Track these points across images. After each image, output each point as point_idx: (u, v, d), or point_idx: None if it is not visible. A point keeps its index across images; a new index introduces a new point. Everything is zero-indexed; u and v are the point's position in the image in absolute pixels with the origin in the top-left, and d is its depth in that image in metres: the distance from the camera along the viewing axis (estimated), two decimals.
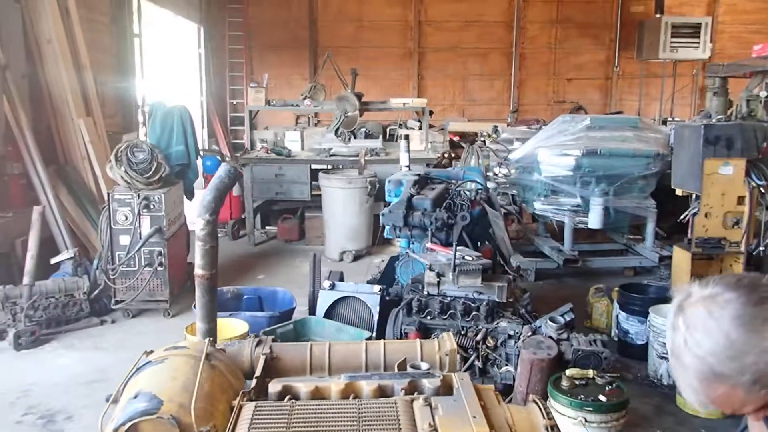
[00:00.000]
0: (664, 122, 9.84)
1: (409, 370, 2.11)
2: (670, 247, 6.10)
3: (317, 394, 1.97)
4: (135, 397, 1.79)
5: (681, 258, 5.63)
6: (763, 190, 5.35)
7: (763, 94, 6.84)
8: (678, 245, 5.77)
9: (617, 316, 5.53)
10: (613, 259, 7.62)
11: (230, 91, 12.46)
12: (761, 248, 5.42)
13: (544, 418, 1.89)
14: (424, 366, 2.13)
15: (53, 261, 5.99)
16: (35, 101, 6.49)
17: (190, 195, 7.05)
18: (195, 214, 2.61)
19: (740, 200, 5.37)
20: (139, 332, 5.89)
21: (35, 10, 6.30)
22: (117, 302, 6.11)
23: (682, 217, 5.81)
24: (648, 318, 5.04)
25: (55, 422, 4.25)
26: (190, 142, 6.76)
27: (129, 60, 8.55)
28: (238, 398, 1.88)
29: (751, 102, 7.18)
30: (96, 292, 5.96)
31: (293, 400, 1.90)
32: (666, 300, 5.28)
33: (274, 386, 1.98)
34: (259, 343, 2.24)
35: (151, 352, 2.04)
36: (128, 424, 1.71)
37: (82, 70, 6.90)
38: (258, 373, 2.07)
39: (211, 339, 2.06)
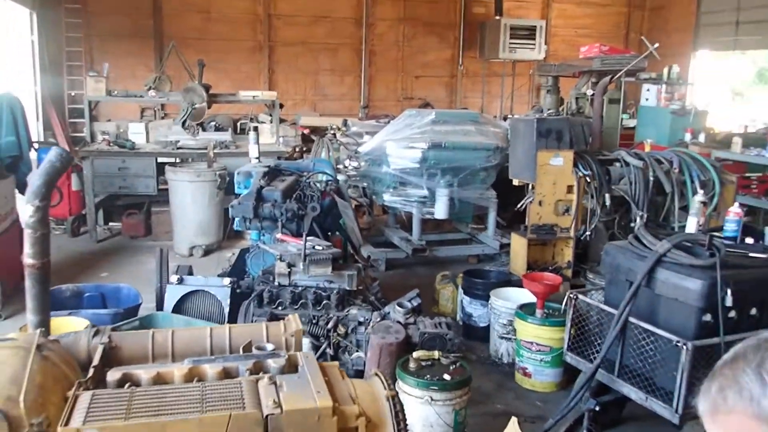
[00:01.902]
0: (505, 119, 10.39)
1: (255, 351, 2.12)
2: (510, 235, 6.47)
3: (159, 380, 1.93)
4: None
5: (518, 244, 6.01)
6: (588, 180, 5.81)
7: (589, 92, 7.41)
8: (515, 232, 6.15)
9: (461, 300, 5.80)
10: (459, 247, 7.97)
11: (68, 81, 11.70)
12: (588, 233, 5.89)
13: (385, 389, 1.97)
14: (270, 347, 2.14)
15: None
16: None
17: (23, 189, 6.59)
18: (24, 200, 2.47)
19: (569, 189, 5.82)
20: None
21: None
22: None
23: (519, 205, 6.19)
24: (489, 301, 5.34)
25: None
26: (21, 133, 6.31)
27: None
28: (73, 388, 1.81)
29: (580, 99, 7.78)
30: None
31: (133, 387, 1.86)
32: (504, 284, 5.62)
33: (113, 375, 1.93)
34: (96, 333, 2.16)
35: None
36: None
37: None
38: (96, 362, 1.99)
39: (43, 330, 1.96)
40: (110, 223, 9.14)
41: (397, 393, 1.96)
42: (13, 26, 10.55)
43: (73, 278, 6.67)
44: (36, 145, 7.54)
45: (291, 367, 2.01)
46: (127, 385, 1.87)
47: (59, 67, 11.57)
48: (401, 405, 1.96)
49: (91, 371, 1.94)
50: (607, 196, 5.77)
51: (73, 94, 11.53)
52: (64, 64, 11.66)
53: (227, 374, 1.97)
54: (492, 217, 7.71)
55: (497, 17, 12.76)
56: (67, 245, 8.30)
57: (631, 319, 3.74)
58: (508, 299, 5.26)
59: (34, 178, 2.41)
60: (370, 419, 1.90)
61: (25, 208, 2.38)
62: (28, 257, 2.46)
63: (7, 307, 5.87)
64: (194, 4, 12.42)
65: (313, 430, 1.80)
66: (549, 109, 6.88)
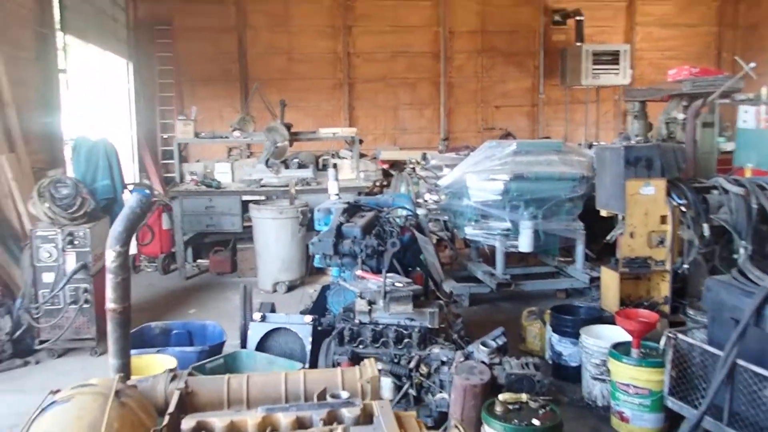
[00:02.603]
0: (590, 146, 10.07)
1: (329, 399, 2.05)
2: (600, 268, 6.19)
3: (233, 429, 1.89)
4: None
5: (609, 278, 5.72)
6: (684, 209, 5.49)
7: (680, 116, 7.08)
8: (606, 266, 5.86)
9: (550, 338, 5.54)
10: (545, 281, 7.70)
11: (161, 125, 12.25)
12: (686, 266, 5.54)
13: None
14: (344, 395, 2.07)
15: None
16: None
17: None
18: (106, 245, 2.52)
19: (663, 219, 5.51)
20: (65, 372, 5.71)
21: None
22: (41, 342, 5.93)
23: (608, 237, 5.93)
24: (580, 339, 5.08)
25: None
26: (116, 175, 6.63)
27: (54, 96, 8.33)
28: None
29: (670, 124, 7.43)
30: (19, 332, 5.80)
31: None
32: (596, 321, 5.34)
33: (188, 423, 1.90)
34: (173, 378, 2.15)
35: (58, 391, 1.94)
36: None
37: (5, 107, 6.68)
38: (171, 409, 1.98)
39: (122, 375, 1.96)
40: (198, 260, 9.44)
41: None
42: (112, 76, 11.17)
43: (163, 315, 6.88)
44: (130, 187, 7.87)
45: (366, 416, 1.93)
46: None
47: (153, 111, 12.16)
48: None
49: (166, 419, 1.92)
50: (705, 226, 5.41)
51: (165, 136, 12.06)
52: (157, 108, 12.23)
53: (300, 424, 1.91)
54: (580, 250, 7.42)
55: (578, 44, 12.52)
56: (158, 282, 8.59)
57: (740, 362, 3.45)
58: (600, 337, 4.98)
59: (116, 224, 2.45)
60: None
61: (107, 254, 2.42)
62: (110, 302, 2.49)
63: (102, 343, 6.07)
64: (277, 47, 12.79)
65: None
66: (636, 136, 6.60)
